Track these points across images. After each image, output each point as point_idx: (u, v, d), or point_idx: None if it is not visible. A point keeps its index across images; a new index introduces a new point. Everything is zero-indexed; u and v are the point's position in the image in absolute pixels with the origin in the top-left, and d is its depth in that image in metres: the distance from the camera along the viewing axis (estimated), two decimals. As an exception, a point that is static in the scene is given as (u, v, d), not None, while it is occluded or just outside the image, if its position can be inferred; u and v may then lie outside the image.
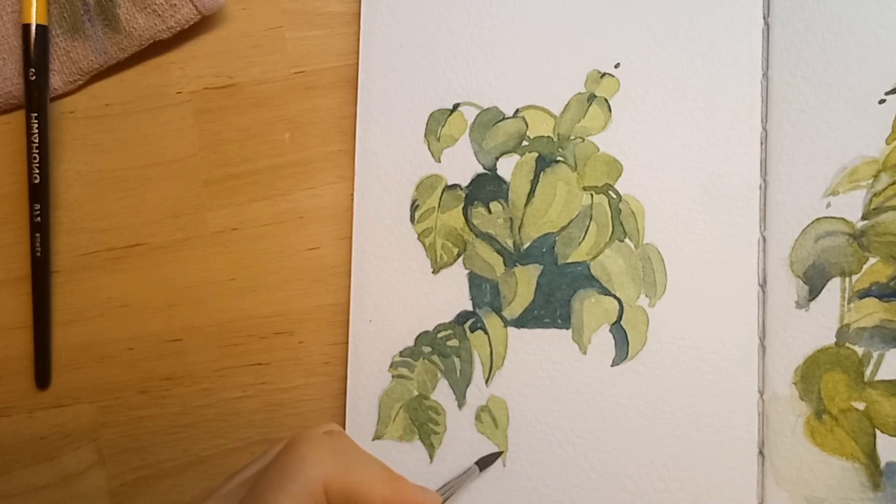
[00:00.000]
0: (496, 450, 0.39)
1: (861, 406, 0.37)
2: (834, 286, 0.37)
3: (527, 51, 0.40)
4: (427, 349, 0.40)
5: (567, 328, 0.39)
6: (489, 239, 0.40)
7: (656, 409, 0.38)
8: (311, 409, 0.41)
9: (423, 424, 0.39)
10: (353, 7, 0.42)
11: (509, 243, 0.40)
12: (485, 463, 0.38)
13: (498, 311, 0.39)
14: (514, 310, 0.39)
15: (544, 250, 0.39)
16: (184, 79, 0.42)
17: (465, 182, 0.40)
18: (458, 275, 0.40)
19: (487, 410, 0.39)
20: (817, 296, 0.37)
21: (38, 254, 0.41)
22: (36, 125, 0.40)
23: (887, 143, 0.37)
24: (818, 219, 0.37)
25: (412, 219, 0.40)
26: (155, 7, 0.40)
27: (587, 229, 0.39)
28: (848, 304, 0.37)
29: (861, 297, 0.37)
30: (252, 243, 0.42)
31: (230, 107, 0.42)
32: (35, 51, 0.40)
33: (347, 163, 0.41)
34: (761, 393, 0.38)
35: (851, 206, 0.37)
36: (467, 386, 0.39)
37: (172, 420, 0.41)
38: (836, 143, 0.38)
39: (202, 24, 0.42)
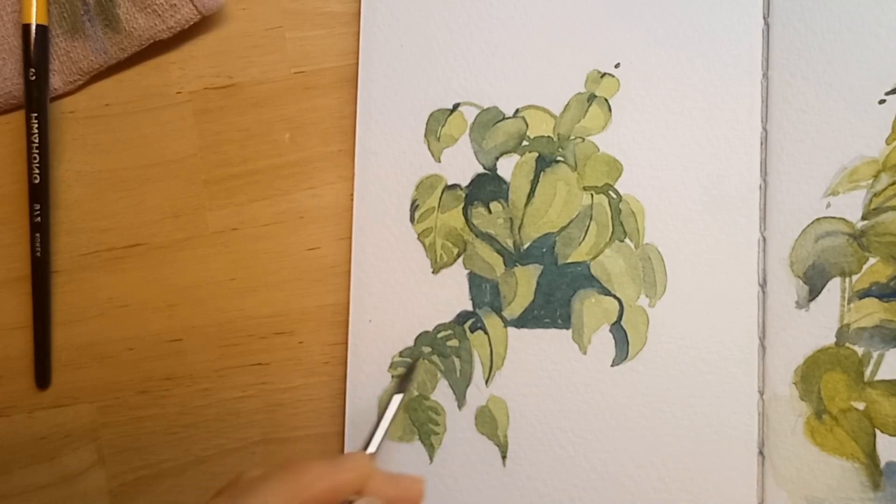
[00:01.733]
0: (495, 449, 0.39)
1: (861, 406, 0.37)
2: (834, 286, 0.37)
3: (527, 51, 0.40)
4: (427, 349, 0.40)
5: (567, 328, 0.39)
6: (489, 239, 0.40)
7: (656, 409, 0.38)
8: (311, 409, 0.41)
9: (423, 425, 0.39)
10: (353, 7, 0.42)
11: (509, 243, 0.40)
12: (403, 383, 0.38)
13: (498, 311, 0.39)
14: (514, 310, 0.39)
15: (544, 250, 0.39)
16: (184, 79, 0.42)
17: (465, 182, 0.40)
18: (458, 275, 0.40)
19: (487, 410, 0.39)
20: (817, 296, 0.37)
21: (38, 254, 0.41)
22: (36, 125, 0.40)
23: (887, 143, 0.37)
24: (818, 219, 0.37)
25: (412, 219, 0.40)
26: (155, 7, 0.40)
27: (587, 229, 0.39)
28: (848, 304, 0.37)
29: (861, 297, 0.37)
30: (252, 243, 0.42)
31: (230, 107, 0.42)
32: (35, 51, 0.40)
33: (347, 163, 0.41)
34: (761, 393, 0.38)
35: (851, 207, 0.37)
36: (467, 386, 0.39)
37: (172, 420, 0.41)
38: (836, 143, 0.37)
39: (202, 24, 0.42)
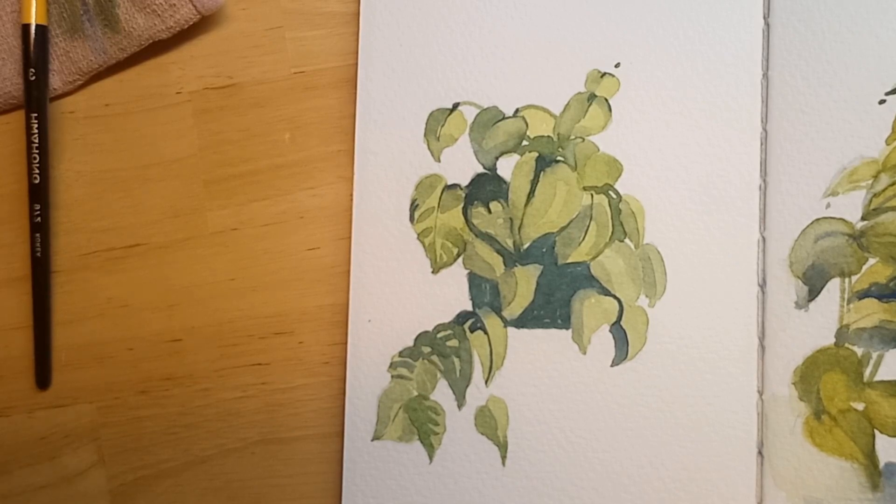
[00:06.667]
0: (495, 449, 0.39)
1: (860, 406, 0.37)
2: (833, 287, 0.37)
3: (527, 51, 0.40)
4: (426, 349, 0.40)
5: (567, 328, 0.39)
6: (489, 239, 0.40)
7: (655, 410, 0.38)
8: (311, 409, 0.41)
9: (423, 425, 0.40)
10: (353, 7, 0.42)
11: (509, 243, 0.40)
12: None
13: (498, 311, 0.39)
14: (513, 310, 0.39)
15: (544, 250, 0.39)
16: (184, 79, 0.42)
17: (464, 182, 0.40)
18: (457, 275, 0.40)
19: (487, 410, 0.39)
20: (816, 296, 0.37)
21: (38, 254, 0.41)
22: (36, 125, 0.40)
23: (887, 143, 0.37)
24: (818, 219, 0.37)
25: (412, 218, 0.40)
26: (154, 7, 0.40)
27: (587, 229, 0.39)
28: (847, 304, 0.37)
29: (860, 298, 0.37)
30: (252, 243, 0.42)
31: (230, 107, 0.42)
32: (35, 51, 0.40)
33: (347, 163, 0.41)
34: (760, 393, 0.38)
35: (851, 207, 0.37)
36: (467, 386, 0.39)
37: (172, 420, 0.41)
38: (835, 144, 0.37)
39: (202, 24, 0.42)
